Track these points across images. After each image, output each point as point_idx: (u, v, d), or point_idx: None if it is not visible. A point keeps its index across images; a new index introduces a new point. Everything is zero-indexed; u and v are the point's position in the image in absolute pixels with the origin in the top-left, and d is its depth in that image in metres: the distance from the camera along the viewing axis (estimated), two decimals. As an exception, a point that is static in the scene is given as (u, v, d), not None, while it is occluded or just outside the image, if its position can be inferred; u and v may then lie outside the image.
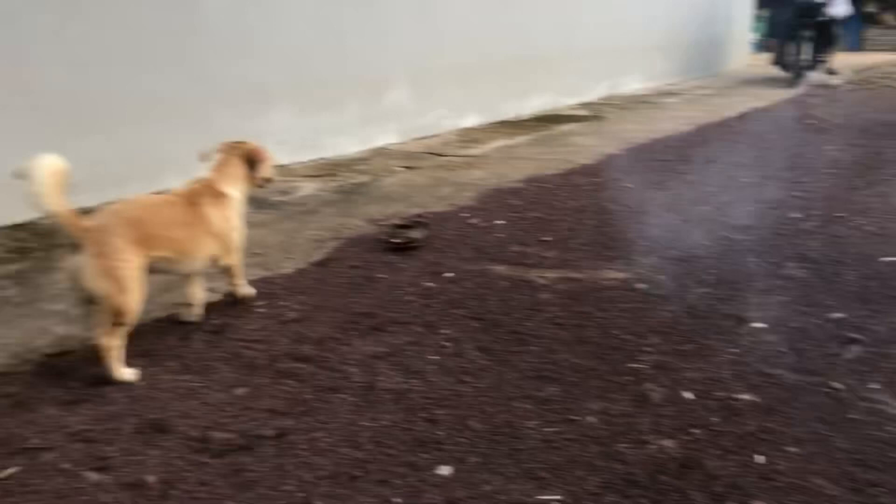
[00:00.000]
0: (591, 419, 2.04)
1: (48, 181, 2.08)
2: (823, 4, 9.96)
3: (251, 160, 2.74)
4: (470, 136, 6.52)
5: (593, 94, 8.86)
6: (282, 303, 2.85)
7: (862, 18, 21.07)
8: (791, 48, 10.21)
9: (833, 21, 10.13)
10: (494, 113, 7.30)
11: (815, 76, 10.18)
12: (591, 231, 3.69)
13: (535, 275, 3.11)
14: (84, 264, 2.16)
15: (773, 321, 2.62)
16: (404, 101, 6.19)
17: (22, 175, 2.06)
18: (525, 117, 7.58)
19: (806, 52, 10.14)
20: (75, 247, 2.21)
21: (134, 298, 2.25)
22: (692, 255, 3.30)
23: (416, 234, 3.53)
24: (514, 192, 4.52)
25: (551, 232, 3.68)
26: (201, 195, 2.57)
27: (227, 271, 2.74)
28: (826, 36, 10.15)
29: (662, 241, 3.48)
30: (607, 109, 8.13)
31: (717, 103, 8.51)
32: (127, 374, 2.26)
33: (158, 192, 2.58)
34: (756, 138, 6.24)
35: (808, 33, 9.97)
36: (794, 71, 10.15)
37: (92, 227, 2.21)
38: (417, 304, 2.82)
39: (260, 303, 2.84)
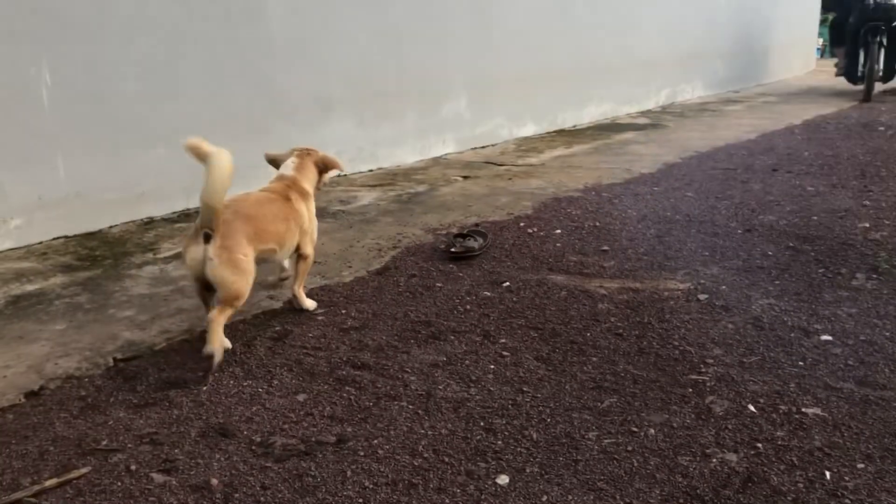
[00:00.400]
0: (651, 431, 2.01)
1: (226, 176, 2.35)
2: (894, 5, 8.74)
3: (325, 165, 3.01)
4: (528, 146, 6.52)
5: (653, 102, 8.76)
6: (341, 311, 2.89)
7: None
8: (860, 58, 8.97)
9: None
10: (552, 122, 7.28)
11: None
12: (651, 241, 3.64)
13: (594, 285, 3.09)
14: (212, 255, 2.39)
15: (841, 333, 2.54)
16: (462, 111, 6.22)
17: (201, 155, 2.33)
18: (583, 126, 7.53)
19: (878, 61, 8.84)
20: (197, 237, 2.42)
21: (249, 286, 2.51)
22: (756, 265, 3.23)
23: (473, 243, 3.54)
24: (572, 201, 4.50)
25: (610, 241, 3.65)
26: (293, 192, 2.82)
27: (303, 263, 2.90)
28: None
29: (725, 252, 3.42)
30: (667, 118, 8.02)
31: (780, 110, 8.32)
32: (218, 350, 2.41)
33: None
34: (822, 145, 6.07)
35: (879, 39, 8.63)
36: (866, 84, 8.81)
37: (223, 221, 2.43)
38: (475, 314, 2.83)
39: (320, 311, 2.89)
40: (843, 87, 9.88)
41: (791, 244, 3.48)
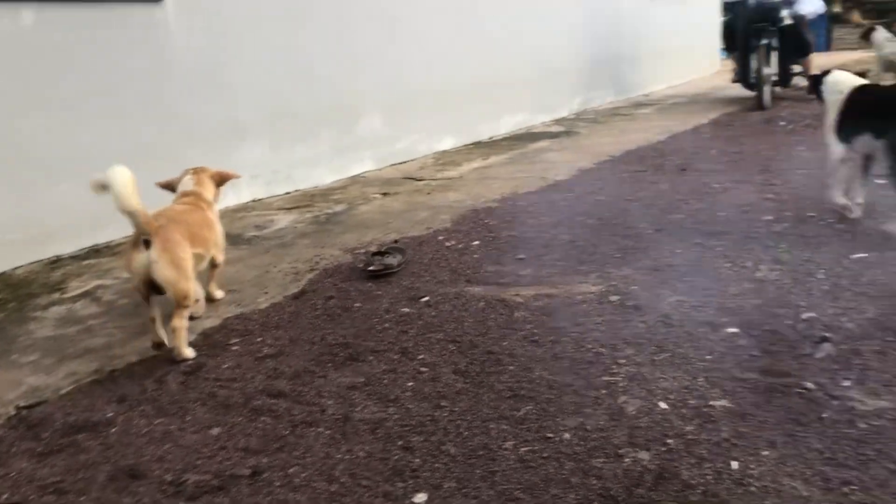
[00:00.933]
0: (566, 436, 2.04)
1: (128, 184, 2.45)
2: (783, 4, 8.06)
3: (220, 178, 3.28)
4: (446, 159, 6.56)
5: (567, 109, 8.94)
6: (257, 339, 2.84)
7: (831, 18, 21.47)
8: (751, 61, 8.08)
9: (801, 22, 8.28)
10: (470, 134, 7.35)
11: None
12: (566, 246, 3.71)
13: (510, 294, 3.12)
14: (155, 258, 2.55)
15: (747, 325, 2.63)
16: (378, 128, 6.22)
17: (102, 185, 2.46)
18: (500, 137, 7.63)
19: (770, 64, 8.05)
20: (138, 245, 2.59)
21: (193, 284, 2.72)
22: (665, 263, 3.32)
23: (392, 260, 3.53)
24: (489, 212, 4.54)
25: (526, 249, 3.70)
26: (202, 203, 3.07)
27: (215, 269, 3.19)
28: (795, 41, 8.19)
29: (636, 252, 3.50)
30: (581, 124, 8.20)
31: (689, 111, 8.60)
32: (189, 352, 2.68)
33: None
34: (728, 143, 6.30)
35: (768, 42, 7.89)
36: (757, 90, 8.08)
37: (159, 226, 2.59)
38: (394, 331, 2.82)
39: (234, 340, 2.83)
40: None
41: (698, 241, 3.59)
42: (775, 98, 8.35)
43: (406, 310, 3.02)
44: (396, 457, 1.99)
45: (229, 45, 4.96)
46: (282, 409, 2.29)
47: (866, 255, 3.21)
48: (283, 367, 2.58)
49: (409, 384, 2.40)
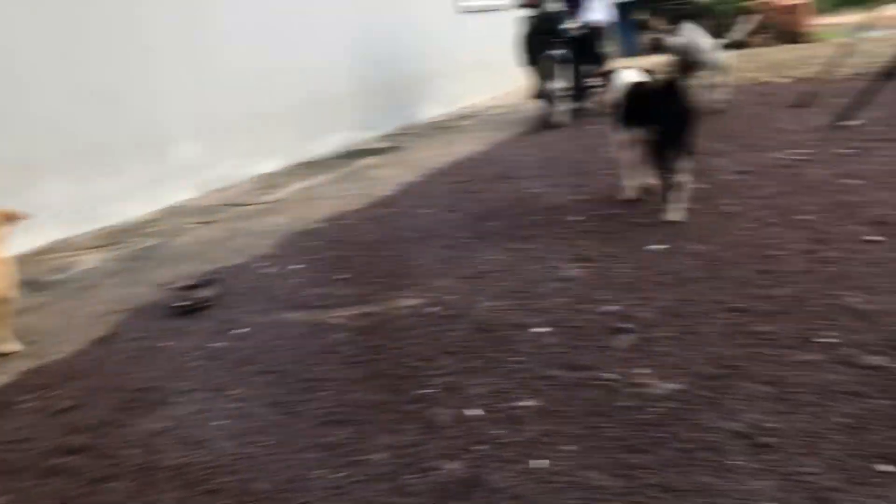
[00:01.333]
0: (379, 456, 2.02)
1: None
2: (568, 14, 7.52)
3: (6, 217, 3.10)
4: (269, 182, 6.41)
5: (393, 125, 9.00)
6: (54, 392, 2.63)
7: (635, 24, 23.10)
8: (544, 74, 7.46)
9: (594, 31, 7.86)
10: (293, 155, 7.22)
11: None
12: (388, 262, 3.71)
13: (330, 316, 3.08)
14: None
15: (554, 323, 2.73)
16: (193, 155, 5.98)
17: None
18: (326, 155, 7.56)
19: (563, 77, 7.45)
20: None
21: None
22: (481, 270, 3.39)
23: (206, 293, 3.39)
24: (312, 233, 4.47)
25: (348, 269, 3.66)
26: None
27: (5, 305, 3.03)
28: (588, 52, 7.68)
29: (455, 261, 3.56)
30: (406, 139, 8.28)
31: (509, 121, 8.91)
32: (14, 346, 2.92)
33: None
34: (545, 150, 6.56)
35: (554, 54, 7.32)
36: (554, 104, 7.45)
37: None
38: (205, 369, 2.70)
39: (27, 397, 2.60)
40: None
41: (513, 246, 3.70)
42: (579, 111, 7.70)
43: (219, 344, 2.90)
44: (200, 502, 1.89)
45: (9, 83, 4.59)
46: (78, 466, 2.12)
47: (662, 246, 3.43)
48: (82, 420, 2.39)
49: (220, 423, 2.29)
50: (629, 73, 4.32)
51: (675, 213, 3.77)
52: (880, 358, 2.22)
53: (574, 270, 3.24)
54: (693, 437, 1.94)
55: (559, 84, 7.45)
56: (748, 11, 22.77)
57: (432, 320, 2.90)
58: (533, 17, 7.52)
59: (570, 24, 7.49)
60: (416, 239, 4.05)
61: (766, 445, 1.87)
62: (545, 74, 7.40)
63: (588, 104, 7.74)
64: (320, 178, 6.36)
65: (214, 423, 2.29)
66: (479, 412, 2.18)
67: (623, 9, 19.23)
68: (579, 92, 7.78)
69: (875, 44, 12.91)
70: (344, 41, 8.01)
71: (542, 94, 7.58)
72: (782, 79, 9.72)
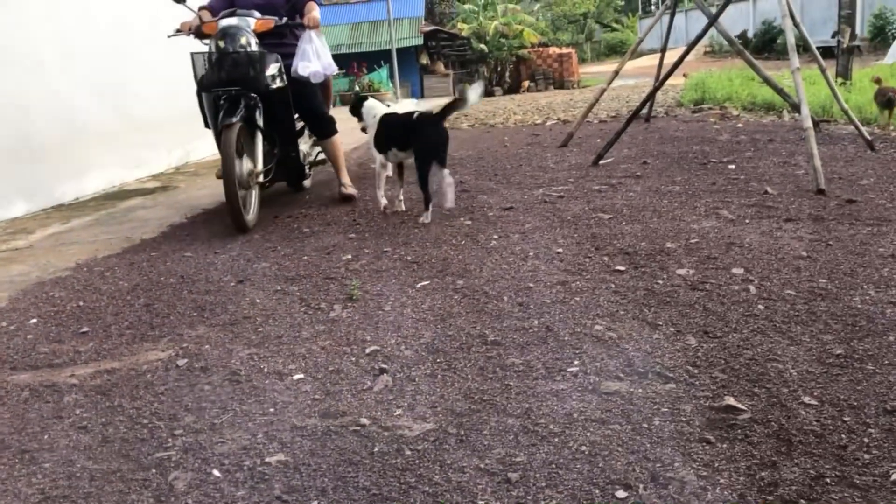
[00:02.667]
0: (98, 536, 1.77)
1: None
2: (266, 58, 4.85)
3: None
4: (15, 227, 5.75)
5: (165, 164, 8.50)
6: None
7: (421, 69, 23.91)
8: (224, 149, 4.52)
9: (306, 89, 5.21)
10: (48, 197, 6.56)
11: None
12: (140, 311, 3.39)
13: (64, 376, 2.73)
14: None
15: (313, 368, 2.61)
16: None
17: None
18: (87, 198, 6.94)
19: (253, 155, 4.85)
20: None
21: None
22: (242, 316, 3.20)
23: (-90, 357, 2.87)
24: (57, 282, 4.01)
25: (93, 321, 3.31)
26: None
27: None
28: (282, 118, 5.11)
29: (214, 308, 3.33)
30: (179, 178, 7.85)
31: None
32: None
33: None
34: (327, 187, 6.47)
35: (243, 115, 4.64)
36: (231, 198, 4.56)
37: None
38: None
39: None
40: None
41: (279, 287, 3.54)
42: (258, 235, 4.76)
43: (-81, 417, 2.46)
44: None
45: None
46: None
47: (428, 282, 3.43)
48: None
49: None
50: (376, 102, 5.03)
51: (426, 217, 4.58)
52: (619, 384, 2.32)
53: (342, 311, 3.15)
54: (443, 479, 1.90)
55: (248, 167, 4.77)
56: (523, 59, 24.42)
57: (180, 374, 2.66)
58: (211, 55, 4.80)
59: (270, 73, 4.84)
60: (174, 284, 3.76)
61: (513, 481, 1.86)
62: (223, 151, 4.47)
63: (308, 185, 6.12)
64: (77, 222, 5.80)
65: None
66: (220, 474, 2.00)
67: (404, 53, 19.83)
68: (291, 175, 5.69)
69: (628, 90, 14.33)
70: (115, 71, 7.46)
71: (228, 181, 4.49)
72: (550, 121, 10.41)
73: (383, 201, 5.07)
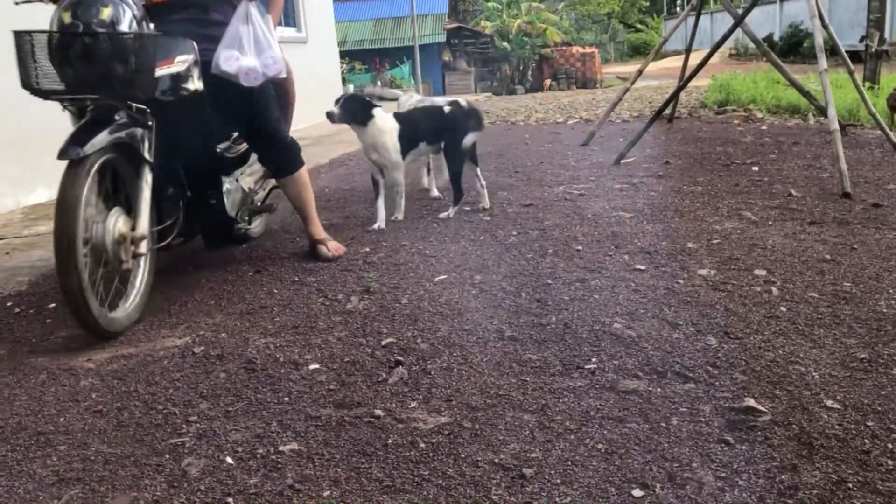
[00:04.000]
0: (112, 518, 1.77)
1: None
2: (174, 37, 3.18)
3: None
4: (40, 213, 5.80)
5: None
6: None
7: (443, 66, 23.89)
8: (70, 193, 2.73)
9: (249, 94, 3.36)
10: None
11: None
12: (157, 298, 3.40)
13: (82, 360, 2.74)
14: None
15: (328, 359, 2.60)
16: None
17: None
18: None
19: (132, 201, 3.06)
20: None
21: None
22: (260, 305, 3.19)
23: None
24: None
25: (111, 307, 3.32)
26: None
27: None
28: (194, 144, 3.40)
29: (231, 297, 3.33)
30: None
31: (314, 152, 8.75)
32: None
33: None
34: (342, 181, 6.47)
35: (88, 148, 2.74)
36: (76, 297, 2.73)
37: None
38: (-86, 427, 2.28)
39: None
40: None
41: (296, 278, 3.54)
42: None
43: (-62, 398, 2.48)
44: None
45: None
46: None
47: (445, 276, 3.41)
48: None
49: (-80, 491, 1.92)
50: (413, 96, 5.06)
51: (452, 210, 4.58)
52: (637, 382, 2.29)
53: (358, 303, 3.13)
54: (457, 473, 1.88)
55: (123, 226, 2.98)
56: (545, 58, 24.32)
57: (196, 361, 2.66)
58: (52, 37, 2.81)
59: (168, 71, 3.10)
60: (190, 272, 3.77)
61: (527, 477, 1.84)
62: (67, 201, 2.73)
63: (259, 232, 4.31)
64: None
65: (-90, 494, 1.91)
66: (233, 461, 1.99)
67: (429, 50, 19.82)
68: (209, 230, 3.71)
69: (651, 91, 14.23)
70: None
71: (64, 255, 2.71)
72: (572, 119, 10.36)
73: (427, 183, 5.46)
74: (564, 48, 24.76)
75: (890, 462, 1.82)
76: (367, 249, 3.98)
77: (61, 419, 2.30)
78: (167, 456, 2.04)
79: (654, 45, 14.43)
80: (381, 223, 4.43)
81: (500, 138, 8.67)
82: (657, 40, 22.30)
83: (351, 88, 15.67)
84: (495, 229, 4.20)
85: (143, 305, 3.17)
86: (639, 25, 44.90)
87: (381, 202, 4.47)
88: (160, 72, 3.06)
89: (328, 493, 1.82)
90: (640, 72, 7.64)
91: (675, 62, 14.33)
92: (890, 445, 1.89)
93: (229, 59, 3.27)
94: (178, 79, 3.16)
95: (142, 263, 3.16)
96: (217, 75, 3.29)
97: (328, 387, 2.39)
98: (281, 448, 2.04)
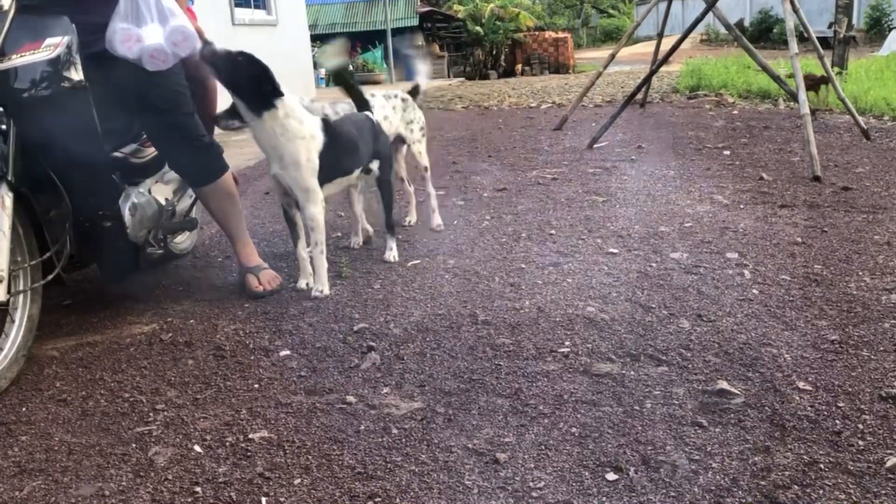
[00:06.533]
0: (74, 510, 1.72)
1: None
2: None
3: None
4: None
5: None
6: None
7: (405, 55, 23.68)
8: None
9: (154, 80, 2.67)
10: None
11: None
12: (121, 284, 3.32)
13: (45, 349, 2.67)
14: None
15: (300, 345, 2.56)
16: None
17: None
18: None
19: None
20: None
21: None
22: (230, 292, 3.14)
23: None
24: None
25: (76, 293, 3.24)
26: None
27: None
28: (75, 152, 2.43)
29: (199, 284, 3.27)
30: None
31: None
32: None
33: None
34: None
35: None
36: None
37: None
38: None
39: None
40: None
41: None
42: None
43: None
44: None
45: None
46: None
47: (419, 261, 3.38)
48: None
49: None
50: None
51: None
52: (611, 365, 2.28)
53: (330, 289, 3.08)
54: (430, 458, 1.85)
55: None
56: (518, 43, 24.26)
57: (164, 348, 2.61)
58: None
59: (31, 60, 2.35)
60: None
61: (501, 462, 1.82)
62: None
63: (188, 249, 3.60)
64: None
65: None
66: (201, 449, 1.95)
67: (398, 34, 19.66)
68: (106, 259, 2.85)
69: (623, 76, 14.26)
70: None
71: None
72: (545, 104, 10.34)
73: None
74: (537, 33, 24.68)
75: (860, 442, 1.83)
76: (339, 234, 3.94)
77: (23, 409, 2.24)
78: (133, 445, 1.99)
79: (626, 31, 14.43)
80: (320, 286, 3.02)
81: (473, 123, 8.62)
82: (629, 25, 22.35)
83: (322, 73, 15.50)
84: (468, 214, 4.17)
85: (23, 359, 2.44)
86: (611, 10, 44.94)
87: (301, 249, 3.14)
88: (19, 60, 2.32)
89: (299, 480, 1.79)
90: (612, 56, 7.63)
91: (647, 47, 14.36)
92: (860, 426, 1.90)
93: (127, 40, 2.53)
94: (49, 68, 2.38)
95: (18, 305, 2.45)
96: (98, 56, 2.55)
97: (299, 373, 2.35)
98: (251, 436, 2.00)
